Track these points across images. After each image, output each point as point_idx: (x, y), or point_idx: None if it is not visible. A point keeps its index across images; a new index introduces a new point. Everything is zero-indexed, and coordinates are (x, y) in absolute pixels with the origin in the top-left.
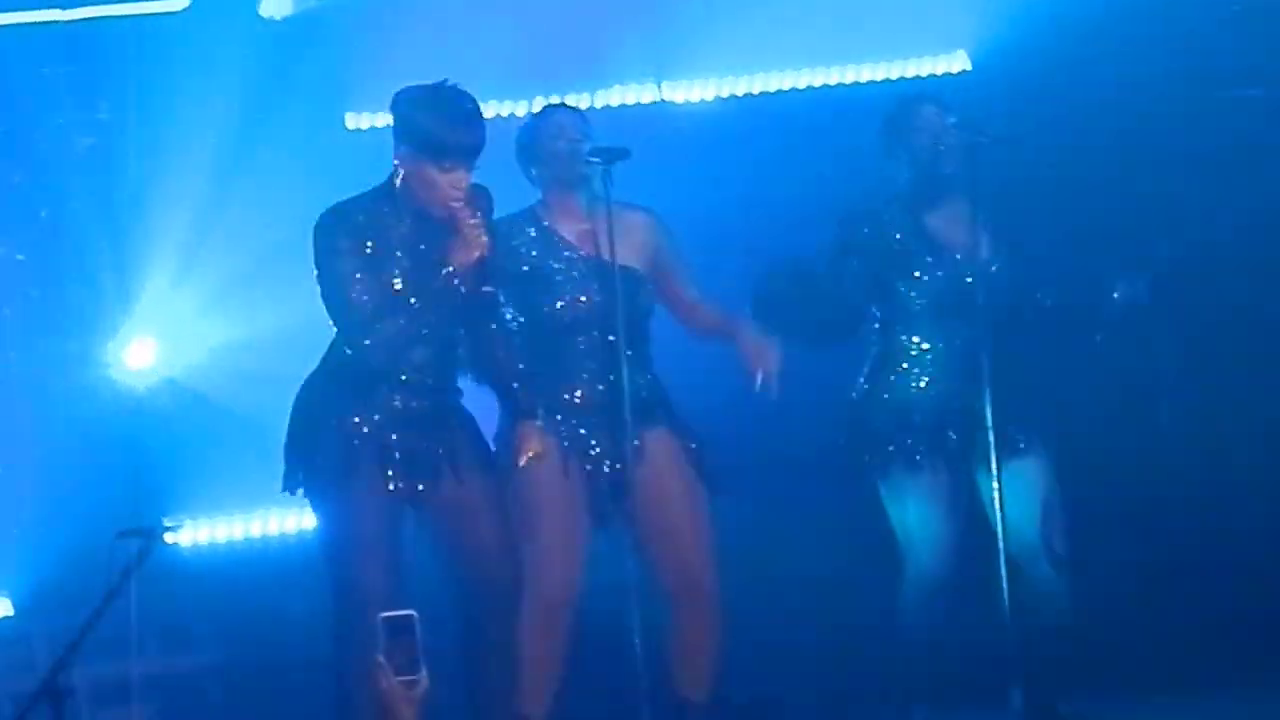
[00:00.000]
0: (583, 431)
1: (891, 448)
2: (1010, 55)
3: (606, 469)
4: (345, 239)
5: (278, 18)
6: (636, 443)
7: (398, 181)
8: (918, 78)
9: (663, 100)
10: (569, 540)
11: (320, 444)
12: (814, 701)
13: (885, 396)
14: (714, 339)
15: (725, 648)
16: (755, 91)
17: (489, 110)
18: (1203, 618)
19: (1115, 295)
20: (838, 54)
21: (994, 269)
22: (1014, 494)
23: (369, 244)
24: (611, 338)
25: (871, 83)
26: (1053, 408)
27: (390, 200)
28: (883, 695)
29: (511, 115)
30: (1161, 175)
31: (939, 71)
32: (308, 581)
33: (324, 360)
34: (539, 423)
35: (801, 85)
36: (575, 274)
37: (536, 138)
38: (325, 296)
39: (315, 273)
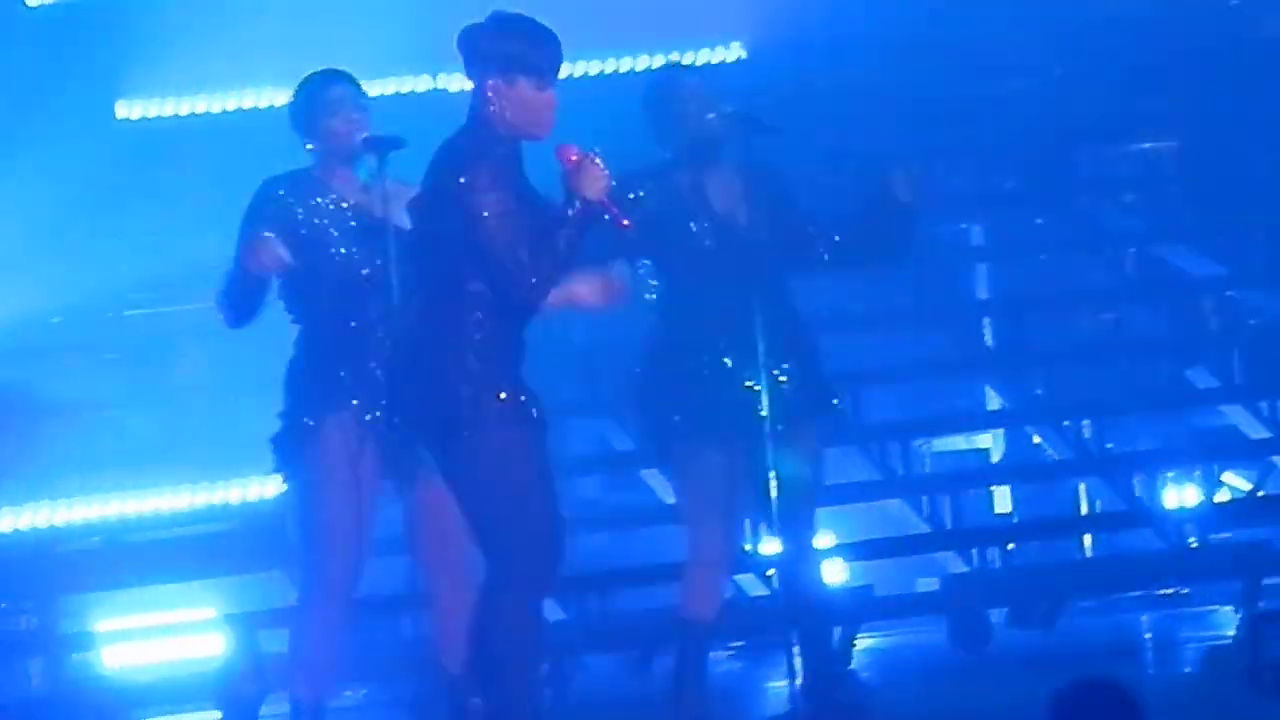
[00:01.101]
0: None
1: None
2: (786, 45)
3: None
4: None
5: (46, 4)
6: None
7: (505, 118)
8: (693, 65)
9: (438, 89)
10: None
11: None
12: None
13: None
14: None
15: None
16: None
17: (260, 97)
18: None
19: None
20: (614, 42)
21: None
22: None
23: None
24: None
25: (648, 70)
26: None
27: (509, 143)
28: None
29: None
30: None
31: (715, 60)
32: None
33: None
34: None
35: (579, 74)
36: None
37: (311, 110)
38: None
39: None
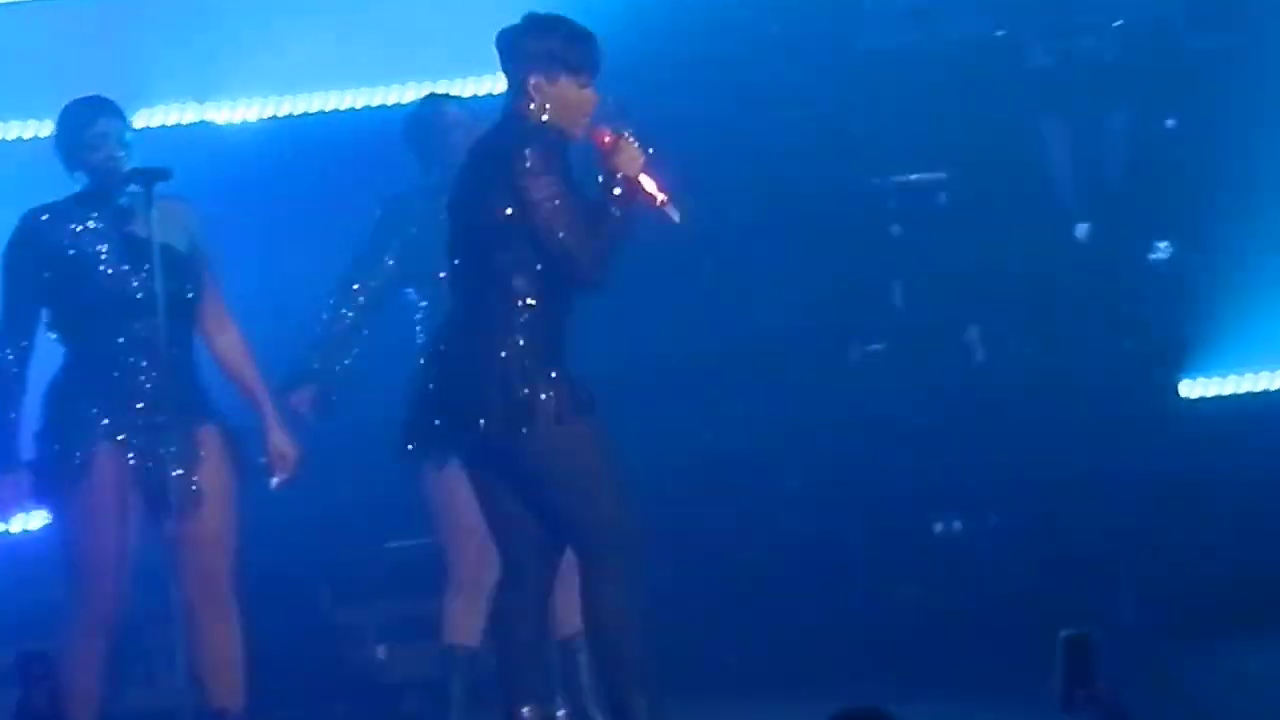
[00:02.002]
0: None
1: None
2: None
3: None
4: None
5: None
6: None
7: (544, 115)
8: (476, 96)
9: (205, 120)
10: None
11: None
12: None
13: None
14: (237, 386)
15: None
16: (298, 112)
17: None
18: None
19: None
20: (394, 74)
21: None
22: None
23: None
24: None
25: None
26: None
27: (553, 132)
28: None
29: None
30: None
31: (497, 91)
32: None
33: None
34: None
35: (343, 106)
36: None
37: (74, 145)
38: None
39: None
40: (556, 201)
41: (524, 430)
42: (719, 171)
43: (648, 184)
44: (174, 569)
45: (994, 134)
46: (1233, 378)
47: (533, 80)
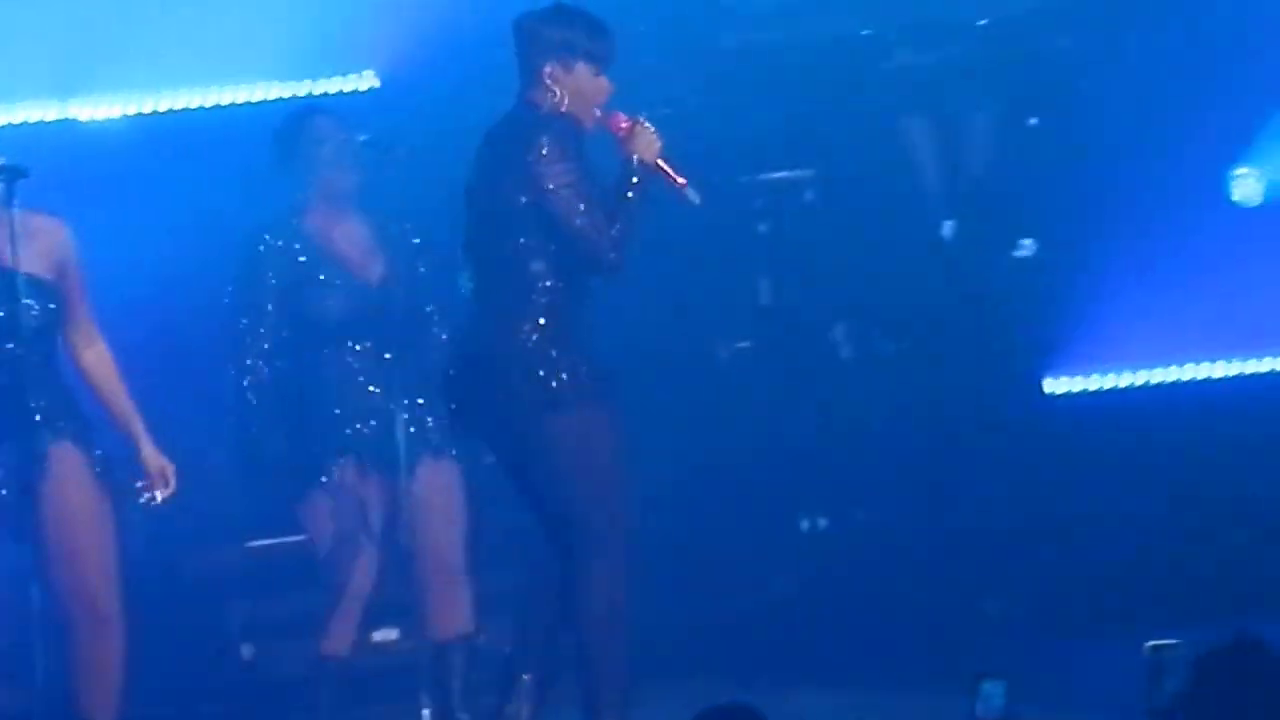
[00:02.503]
0: None
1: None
2: (420, 72)
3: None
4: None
5: None
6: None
7: (564, 104)
8: (325, 94)
9: (68, 118)
10: None
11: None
12: None
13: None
14: (104, 401)
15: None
16: (163, 109)
17: None
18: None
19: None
20: (243, 72)
21: (393, 289)
22: (428, 500)
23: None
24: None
25: (279, 100)
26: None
27: (567, 119)
28: None
29: None
30: None
31: (348, 89)
32: None
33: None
34: None
35: (208, 104)
36: None
37: None
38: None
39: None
40: (572, 188)
41: (547, 414)
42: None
43: (666, 167)
44: (45, 584)
45: (860, 132)
46: (1096, 375)
47: (548, 68)
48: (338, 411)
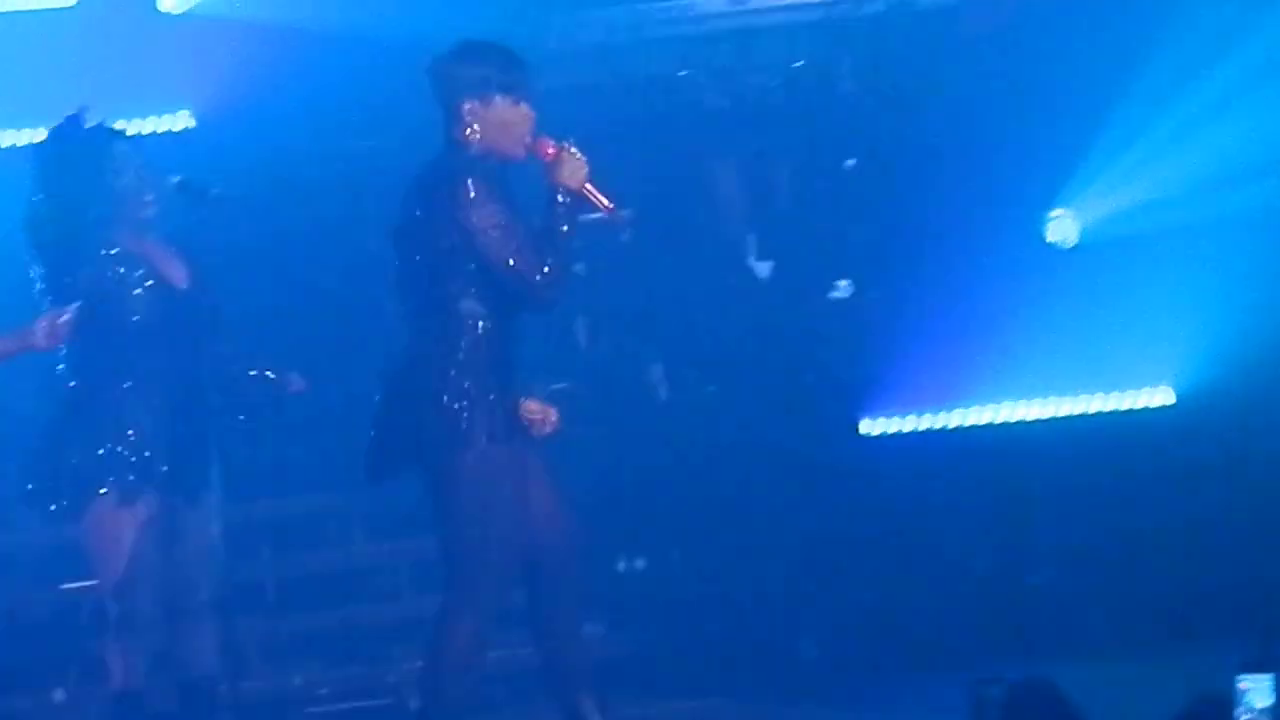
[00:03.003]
0: None
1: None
2: (237, 111)
3: None
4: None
5: None
6: None
7: (489, 139)
8: (140, 134)
9: None
10: None
11: None
12: None
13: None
14: None
15: None
16: None
17: None
18: None
19: None
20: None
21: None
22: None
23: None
24: None
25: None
26: None
27: (490, 160)
28: None
29: None
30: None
31: (162, 130)
32: None
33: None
34: None
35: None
36: None
37: None
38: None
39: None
40: (502, 229)
41: (458, 450)
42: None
43: (592, 192)
44: None
45: (677, 172)
46: (912, 416)
47: (468, 106)
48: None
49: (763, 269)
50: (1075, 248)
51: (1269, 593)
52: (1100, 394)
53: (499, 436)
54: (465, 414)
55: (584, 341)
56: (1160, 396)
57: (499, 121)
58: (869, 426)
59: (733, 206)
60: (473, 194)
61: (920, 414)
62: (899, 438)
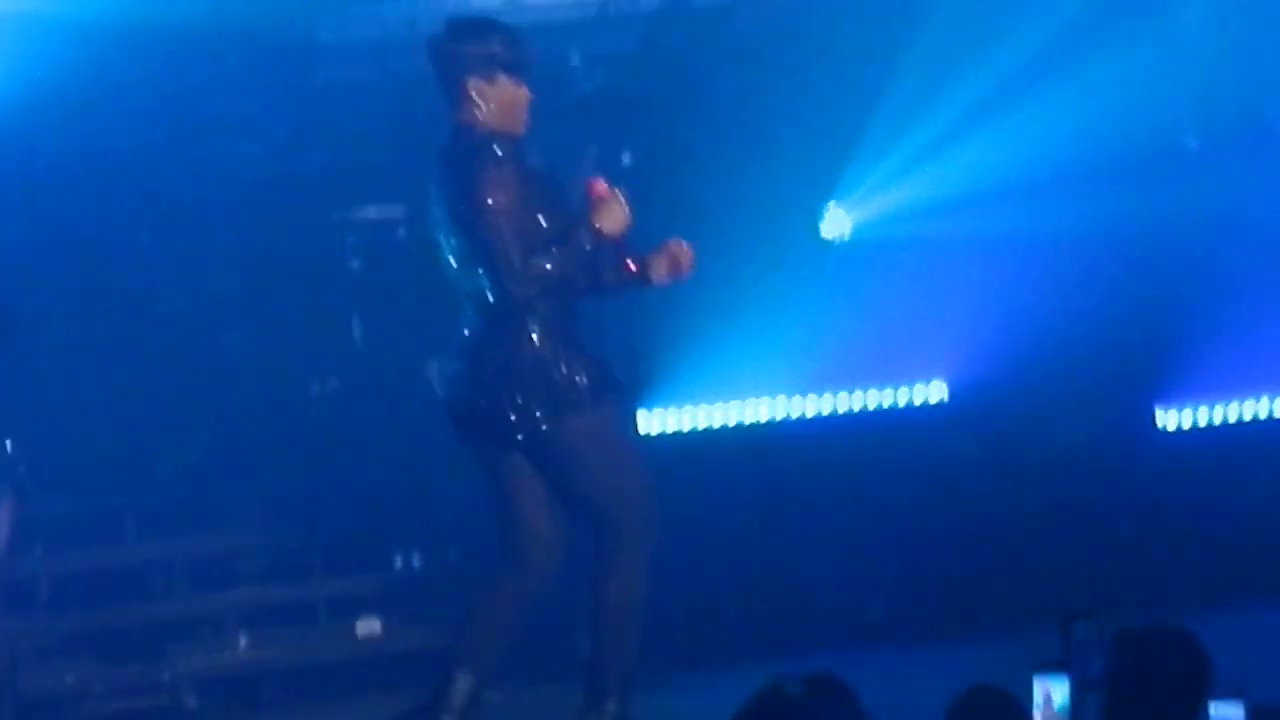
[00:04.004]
0: None
1: None
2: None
3: None
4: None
5: None
6: None
7: (493, 117)
8: None
9: None
10: None
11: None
12: None
13: None
14: None
15: None
16: None
17: None
18: None
19: None
20: None
21: None
22: None
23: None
24: None
25: None
26: None
27: (504, 140)
28: None
29: None
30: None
31: None
32: None
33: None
34: None
35: None
36: None
37: None
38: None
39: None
40: (502, 215)
41: (567, 413)
42: (175, 204)
43: (619, 246)
44: None
45: None
46: (689, 409)
47: (472, 83)
48: None
49: None
50: (849, 244)
51: (1057, 585)
52: (875, 389)
53: (601, 392)
54: (568, 377)
55: (360, 338)
56: (935, 392)
57: (504, 100)
58: (647, 423)
59: None
60: (487, 172)
61: (695, 409)
62: (678, 437)
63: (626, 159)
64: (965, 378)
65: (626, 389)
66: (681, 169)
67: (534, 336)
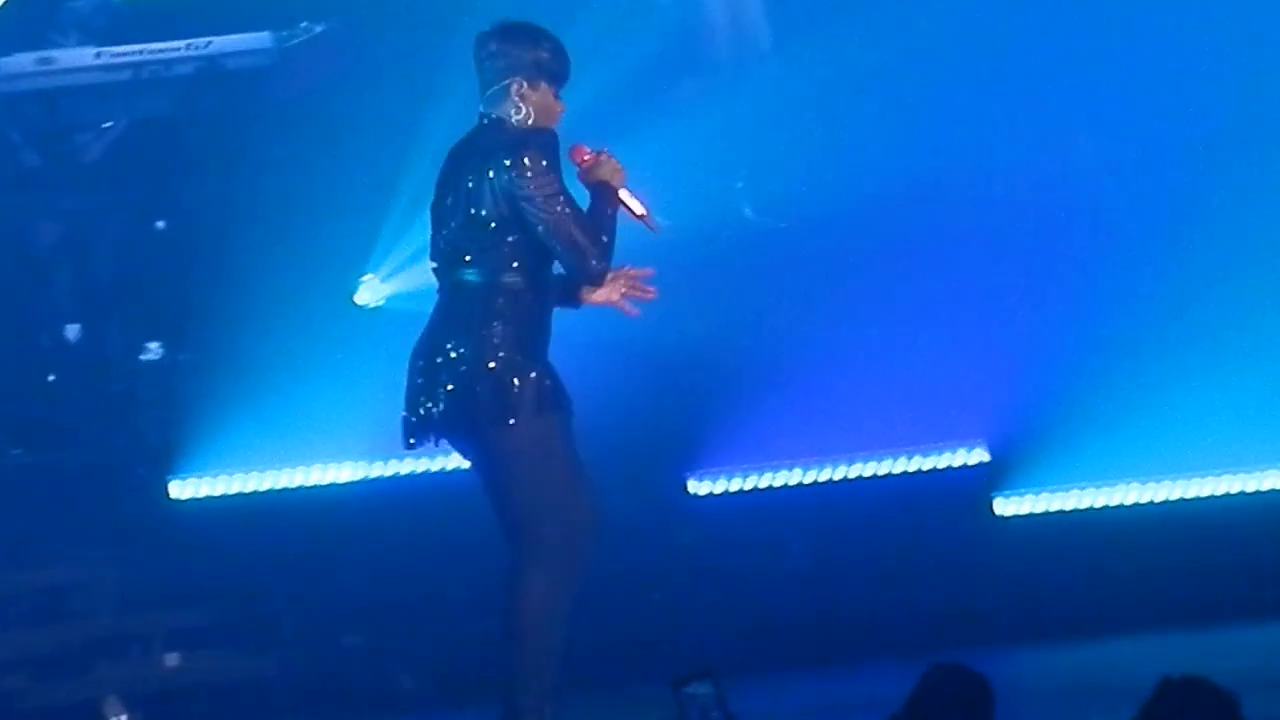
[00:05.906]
0: None
1: None
2: None
3: None
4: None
5: None
6: None
7: (530, 120)
8: None
9: None
10: None
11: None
12: None
13: None
14: None
15: None
16: None
17: None
18: None
19: None
20: None
21: None
22: None
23: None
24: None
25: None
26: None
27: (546, 133)
28: None
29: None
30: None
31: None
32: None
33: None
34: None
35: None
36: None
37: None
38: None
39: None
40: (564, 201)
41: (510, 421)
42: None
43: (627, 197)
44: None
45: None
46: (224, 478)
47: (516, 85)
48: None
49: (73, 331)
50: (380, 309)
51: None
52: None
53: (548, 406)
54: (516, 387)
55: None
56: None
57: (541, 106)
58: (179, 489)
59: (49, 266)
60: (531, 164)
61: (248, 474)
62: (210, 501)
63: (161, 224)
64: None
65: (571, 407)
66: (217, 233)
67: (495, 341)
